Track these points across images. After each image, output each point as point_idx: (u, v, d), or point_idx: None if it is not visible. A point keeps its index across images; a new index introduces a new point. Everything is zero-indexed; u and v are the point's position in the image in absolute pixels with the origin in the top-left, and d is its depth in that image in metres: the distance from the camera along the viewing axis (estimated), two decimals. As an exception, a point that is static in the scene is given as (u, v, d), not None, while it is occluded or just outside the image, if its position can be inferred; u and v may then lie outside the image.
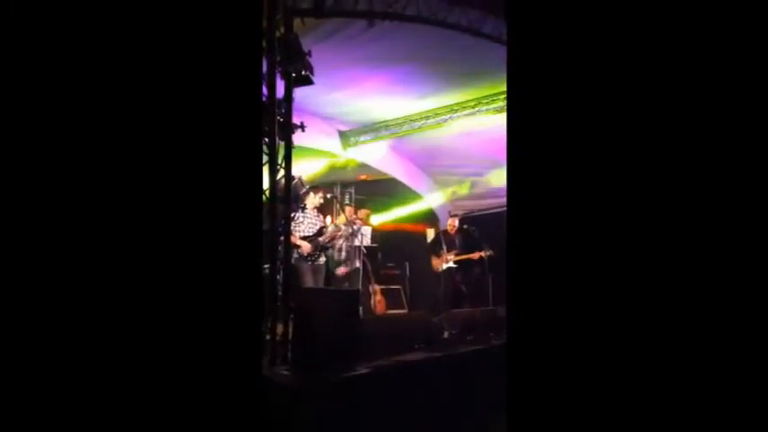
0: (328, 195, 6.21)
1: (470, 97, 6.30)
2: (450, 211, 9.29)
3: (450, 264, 7.15)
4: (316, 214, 5.72)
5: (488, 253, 6.96)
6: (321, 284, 5.67)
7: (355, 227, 6.52)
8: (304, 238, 5.44)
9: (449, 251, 7.15)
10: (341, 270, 6.65)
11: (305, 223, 5.53)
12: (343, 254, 6.66)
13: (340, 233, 6.23)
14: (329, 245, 5.92)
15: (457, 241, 7.35)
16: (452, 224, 7.54)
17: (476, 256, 7.17)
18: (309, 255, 5.42)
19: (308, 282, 5.34)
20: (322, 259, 5.68)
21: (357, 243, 6.58)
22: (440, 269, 7.16)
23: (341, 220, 6.40)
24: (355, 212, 6.94)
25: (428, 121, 6.81)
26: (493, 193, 8.05)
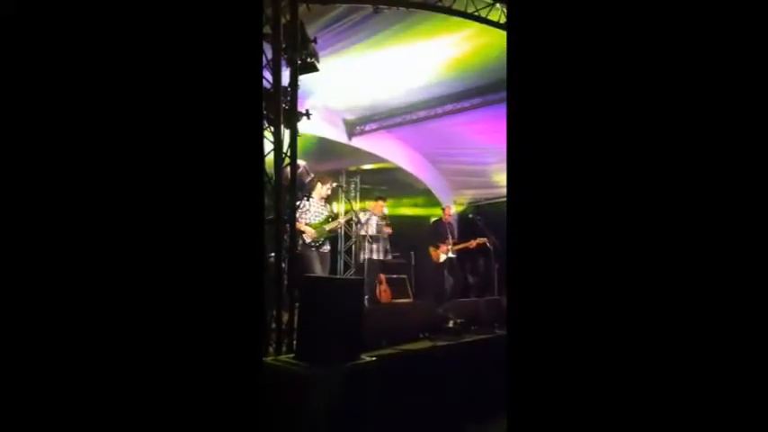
0: (334, 184, 6.21)
1: (477, 86, 6.26)
2: (455, 200, 9.29)
3: (450, 254, 7.11)
4: (323, 204, 5.72)
5: (487, 240, 6.90)
6: (327, 272, 5.68)
7: (362, 216, 6.53)
8: (308, 225, 5.45)
9: (445, 241, 7.12)
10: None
11: (311, 211, 5.53)
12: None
13: (352, 220, 6.26)
14: (334, 233, 5.93)
15: (451, 230, 7.31)
16: (447, 213, 7.50)
17: (472, 244, 7.14)
18: (314, 241, 5.43)
19: (315, 269, 5.36)
20: (327, 247, 5.69)
21: (363, 233, 6.58)
22: (439, 260, 7.13)
23: (347, 206, 6.41)
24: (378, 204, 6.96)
25: (434, 109, 6.77)
26: (499, 182, 8.03)
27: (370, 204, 6.91)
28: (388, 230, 6.89)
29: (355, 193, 8.92)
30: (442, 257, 7.10)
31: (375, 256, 6.74)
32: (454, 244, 7.16)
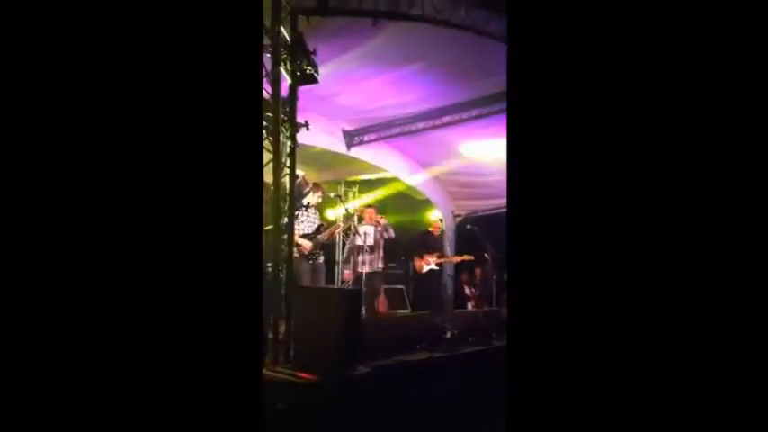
0: (331, 194, 6.18)
1: (476, 98, 6.27)
2: (453, 211, 9.30)
3: (432, 266, 7.18)
4: (314, 212, 5.67)
5: (470, 258, 7.13)
6: (322, 284, 5.63)
7: (361, 230, 6.50)
8: (304, 237, 5.40)
9: (432, 252, 7.20)
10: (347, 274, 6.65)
11: (305, 222, 5.48)
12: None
13: (340, 230, 6.20)
14: (329, 242, 5.88)
15: (439, 243, 7.43)
16: (436, 225, 7.60)
17: (456, 259, 7.46)
18: (310, 253, 5.38)
19: (308, 281, 5.31)
20: (322, 258, 5.63)
21: (359, 242, 6.54)
22: (422, 270, 7.19)
23: (340, 215, 6.37)
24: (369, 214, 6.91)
25: (433, 120, 6.79)
26: (498, 193, 8.03)
27: (365, 214, 6.87)
28: (391, 235, 6.74)
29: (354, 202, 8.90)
30: (425, 268, 7.18)
31: (372, 267, 6.64)
32: (438, 257, 7.21)
